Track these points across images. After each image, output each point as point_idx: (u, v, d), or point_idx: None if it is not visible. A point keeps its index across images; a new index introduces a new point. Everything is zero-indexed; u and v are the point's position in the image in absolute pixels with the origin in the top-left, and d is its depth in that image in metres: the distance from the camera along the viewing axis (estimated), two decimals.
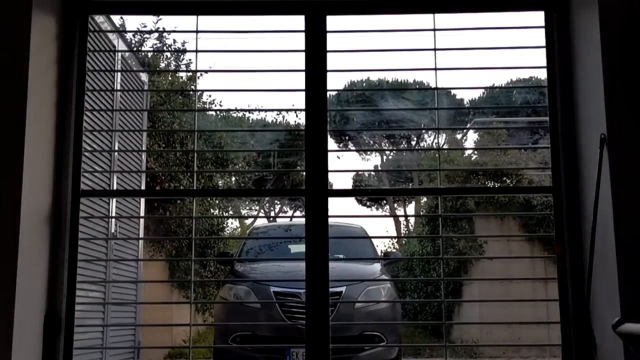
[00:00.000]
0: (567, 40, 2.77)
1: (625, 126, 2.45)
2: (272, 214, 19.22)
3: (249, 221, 16.88)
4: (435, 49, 2.88)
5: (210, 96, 12.47)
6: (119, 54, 5.48)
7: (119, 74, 5.56)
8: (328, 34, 2.83)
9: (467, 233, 10.71)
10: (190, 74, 11.13)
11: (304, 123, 2.79)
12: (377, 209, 18.59)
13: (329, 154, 2.75)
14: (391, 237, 14.60)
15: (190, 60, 11.59)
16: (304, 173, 2.75)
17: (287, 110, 16.01)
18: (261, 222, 17.37)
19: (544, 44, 2.82)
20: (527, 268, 10.27)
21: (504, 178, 11.67)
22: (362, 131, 16.84)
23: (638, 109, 2.46)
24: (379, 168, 17.44)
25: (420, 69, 3.11)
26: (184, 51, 11.05)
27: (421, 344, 9.68)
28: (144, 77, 6.53)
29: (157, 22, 10.36)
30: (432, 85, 3.13)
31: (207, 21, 2.98)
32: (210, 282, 10.88)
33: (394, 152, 17.77)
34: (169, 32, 10.37)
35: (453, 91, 16.24)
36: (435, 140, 17.22)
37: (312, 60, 2.80)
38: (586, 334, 2.57)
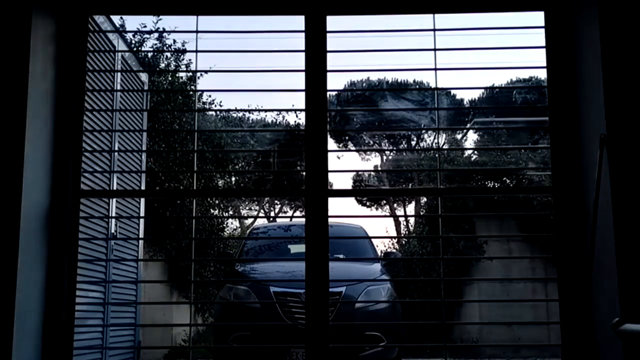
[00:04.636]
0: (567, 40, 2.77)
1: (625, 126, 2.45)
2: (272, 214, 19.22)
3: (249, 221, 16.88)
4: (435, 49, 2.88)
5: (210, 96, 12.48)
6: (119, 54, 5.49)
7: (119, 74, 5.56)
8: (328, 34, 2.83)
9: (467, 233, 10.71)
10: (190, 74, 11.14)
11: (304, 123, 2.79)
12: (377, 209, 18.58)
13: (329, 154, 2.75)
14: (391, 237, 14.60)
15: (190, 60, 11.60)
16: (304, 173, 2.75)
17: (287, 110, 16.02)
18: (261, 222, 17.37)
19: (544, 44, 2.82)
20: (527, 268, 10.29)
21: (504, 178, 11.68)
22: (362, 131, 16.85)
23: (638, 109, 2.46)
24: (379, 168, 17.43)
25: (420, 69, 3.11)
26: (184, 51, 11.06)
27: (421, 344, 9.69)
28: (144, 77, 6.54)
29: (157, 22, 10.39)
30: (432, 85, 3.13)
31: (207, 21, 2.98)
32: (210, 282, 10.88)
33: (394, 152, 17.77)
34: (169, 32, 10.38)
35: (453, 91, 16.25)
36: (435, 140, 17.22)
37: (312, 61, 2.80)
38: (586, 334, 2.58)
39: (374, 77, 17.03)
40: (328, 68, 2.80)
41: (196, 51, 3.01)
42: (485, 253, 10.57)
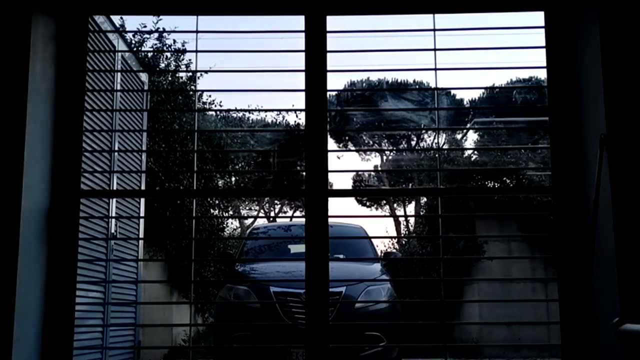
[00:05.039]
0: (567, 40, 2.77)
1: (625, 126, 2.45)
2: (272, 214, 19.23)
3: (249, 221, 16.89)
4: (435, 49, 2.88)
5: (210, 96, 12.49)
6: (119, 54, 5.49)
7: (119, 74, 5.56)
8: (328, 34, 2.83)
9: (467, 233, 10.71)
10: (190, 74, 11.14)
11: (304, 123, 2.79)
12: (377, 209, 18.60)
13: (329, 154, 2.75)
14: (391, 237, 14.60)
15: (190, 60, 11.61)
16: (304, 173, 2.75)
17: (287, 110, 16.02)
18: (261, 222, 17.37)
19: (544, 44, 2.82)
20: (527, 268, 10.29)
21: (504, 178, 11.67)
22: (362, 131, 16.86)
23: (638, 109, 2.46)
24: (379, 168, 17.44)
25: (420, 69, 3.11)
26: (184, 51, 11.06)
27: (421, 344, 9.69)
28: (144, 77, 6.54)
29: (157, 22, 10.39)
30: (432, 85, 3.13)
31: (207, 21, 2.98)
32: (210, 282, 10.88)
33: (394, 152, 17.77)
34: (169, 32, 10.39)
35: (453, 91, 16.26)
36: (435, 140, 17.22)
37: (312, 61, 2.80)
38: (586, 334, 2.57)
39: (374, 77, 17.05)
40: (328, 68, 2.80)
41: (196, 51, 3.01)
42: (485, 253, 10.57)
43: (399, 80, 16.14)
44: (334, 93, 10.94)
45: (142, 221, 6.30)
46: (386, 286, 5.95)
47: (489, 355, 9.24)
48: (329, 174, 2.75)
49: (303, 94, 2.79)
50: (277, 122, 15.79)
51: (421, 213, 15.98)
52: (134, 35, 10.51)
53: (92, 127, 4.32)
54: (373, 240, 7.68)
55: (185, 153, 9.85)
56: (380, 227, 19.45)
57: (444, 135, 16.03)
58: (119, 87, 5.45)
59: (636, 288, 2.33)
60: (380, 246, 14.33)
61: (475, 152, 13.73)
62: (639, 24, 2.50)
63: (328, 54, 2.81)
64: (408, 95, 14.48)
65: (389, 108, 14.77)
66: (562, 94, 2.76)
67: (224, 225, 12.92)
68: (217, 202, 12.37)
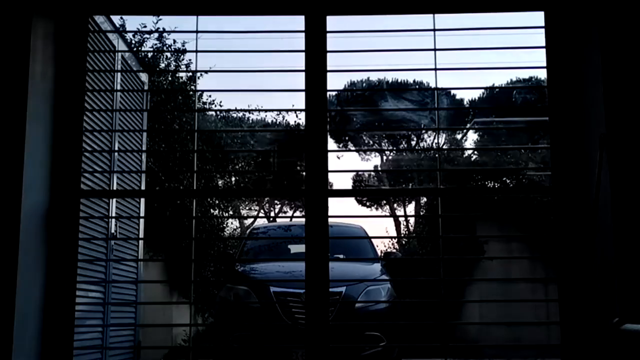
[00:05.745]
0: (567, 40, 2.77)
1: (625, 126, 2.45)
2: (272, 214, 19.22)
3: (249, 221, 16.89)
4: (435, 49, 2.88)
5: (210, 96, 12.48)
6: (119, 54, 5.49)
7: (119, 74, 5.56)
8: (328, 34, 2.83)
9: (467, 233, 10.72)
10: (190, 74, 11.15)
11: (304, 123, 2.79)
12: (377, 209, 18.58)
13: (329, 154, 2.75)
14: (391, 237, 14.59)
15: (190, 60, 11.61)
16: (304, 173, 2.75)
17: (287, 110, 16.01)
18: (261, 222, 17.37)
19: (544, 44, 2.82)
20: (527, 268, 10.29)
21: (504, 178, 11.67)
22: (362, 131, 16.85)
23: (638, 109, 2.46)
24: (379, 168, 17.43)
25: (420, 69, 3.11)
26: (184, 51, 11.06)
27: (421, 344, 9.68)
28: (144, 77, 6.54)
29: (157, 22, 10.39)
30: (432, 85, 3.13)
31: (207, 21, 2.98)
32: (210, 282, 10.88)
33: (394, 152, 17.76)
34: (169, 32, 10.38)
35: (453, 91, 16.25)
36: (435, 140, 17.22)
37: (312, 61, 2.80)
38: (586, 334, 2.57)
39: (374, 77, 17.02)
40: (328, 68, 2.80)
41: (196, 51, 3.01)
42: (485, 253, 10.57)
43: (399, 80, 16.12)
44: (334, 93, 10.96)
45: (142, 221, 6.29)
46: (386, 286, 5.96)
47: (489, 355, 9.23)
48: (329, 174, 2.75)
49: (303, 94, 2.78)
50: (277, 122, 15.79)
51: (421, 213, 15.98)
52: (134, 35, 10.51)
53: (92, 127, 4.32)
54: (373, 240, 7.69)
55: (185, 153, 9.85)
56: (380, 227, 19.43)
57: (444, 135, 16.04)
58: (119, 87, 5.45)
59: (636, 288, 2.33)
60: (380, 246, 14.33)
61: (475, 152, 13.74)
62: (639, 24, 2.50)
63: (328, 54, 2.81)
64: (408, 95, 14.48)
65: (389, 108, 14.78)
66: (562, 94, 2.76)
67: (224, 225, 12.92)
68: (217, 202, 12.37)
